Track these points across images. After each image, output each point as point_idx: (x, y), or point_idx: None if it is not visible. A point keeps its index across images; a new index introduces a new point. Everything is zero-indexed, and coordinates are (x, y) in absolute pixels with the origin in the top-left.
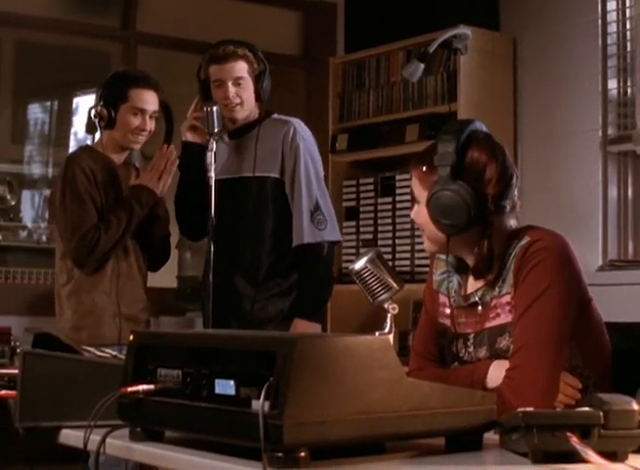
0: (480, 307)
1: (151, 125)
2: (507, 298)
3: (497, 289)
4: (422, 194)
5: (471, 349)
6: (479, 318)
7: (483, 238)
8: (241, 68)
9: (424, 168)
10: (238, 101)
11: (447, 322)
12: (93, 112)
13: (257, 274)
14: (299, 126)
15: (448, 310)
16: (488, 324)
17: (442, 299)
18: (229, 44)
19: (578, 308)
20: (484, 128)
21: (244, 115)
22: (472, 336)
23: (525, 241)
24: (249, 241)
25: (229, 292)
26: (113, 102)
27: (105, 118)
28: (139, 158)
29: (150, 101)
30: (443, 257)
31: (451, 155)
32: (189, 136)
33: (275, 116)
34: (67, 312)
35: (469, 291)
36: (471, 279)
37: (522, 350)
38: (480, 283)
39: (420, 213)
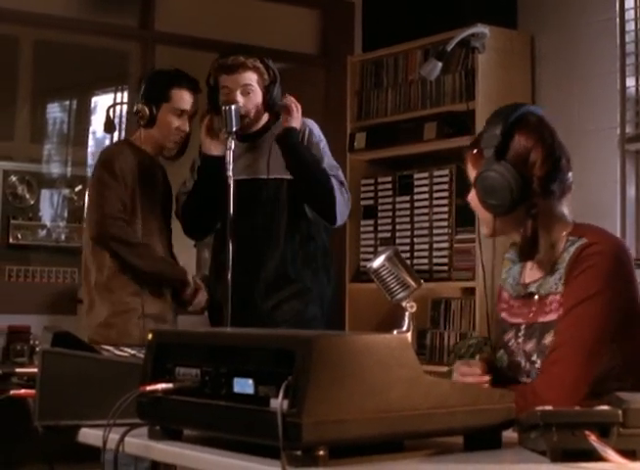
0: (536, 297)
1: (188, 126)
2: (559, 296)
3: (554, 285)
4: (474, 176)
5: (520, 339)
6: (533, 310)
7: (528, 218)
8: (249, 77)
9: (474, 151)
10: (243, 112)
11: (504, 314)
12: (135, 108)
13: (270, 274)
14: (314, 127)
15: (505, 304)
16: (542, 319)
17: (504, 294)
18: (239, 54)
19: (626, 316)
20: (539, 112)
21: (250, 125)
22: (523, 327)
23: (582, 242)
24: (261, 241)
25: (242, 292)
26: (154, 100)
27: (145, 117)
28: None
29: (190, 102)
30: (508, 256)
31: (497, 137)
32: (207, 145)
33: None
34: (97, 309)
35: (527, 280)
36: (529, 269)
37: (558, 347)
38: (538, 274)
39: (473, 197)
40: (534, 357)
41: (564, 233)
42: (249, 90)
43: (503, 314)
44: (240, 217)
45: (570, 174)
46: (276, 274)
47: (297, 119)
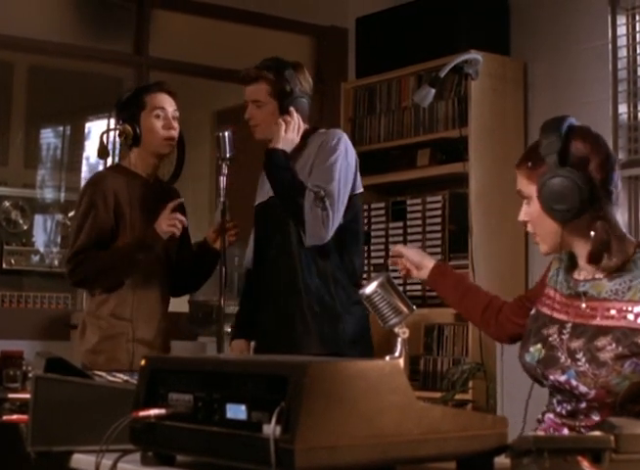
0: (583, 301)
1: (176, 125)
2: (631, 305)
3: (620, 293)
4: (531, 190)
5: (565, 336)
6: (581, 309)
7: (595, 222)
8: (259, 89)
9: (529, 164)
10: (253, 123)
11: (545, 309)
12: (118, 131)
13: (296, 292)
14: (343, 136)
15: (549, 300)
16: (598, 322)
17: (550, 290)
18: (253, 67)
19: None
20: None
21: (262, 135)
22: (570, 325)
23: None
24: (278, 260)
25: (269, 313)
26: (132, 115)
27: (130, 134)
28: None
29: (167, 102)
30: (558, 256)
31: (556, 142)
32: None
33: (321, 130)
34: (87, 335)
35: (578, 278)
36: (581, 269)
37: None
38: (590, 275)
39: (530, 212)
40: (579, 356)
41: (629, 243)
42: (258, 103)
43: (544, 309)
44: (262, 238)
45: (619, 181)
46: (304, 291)
47: (281, 140)
